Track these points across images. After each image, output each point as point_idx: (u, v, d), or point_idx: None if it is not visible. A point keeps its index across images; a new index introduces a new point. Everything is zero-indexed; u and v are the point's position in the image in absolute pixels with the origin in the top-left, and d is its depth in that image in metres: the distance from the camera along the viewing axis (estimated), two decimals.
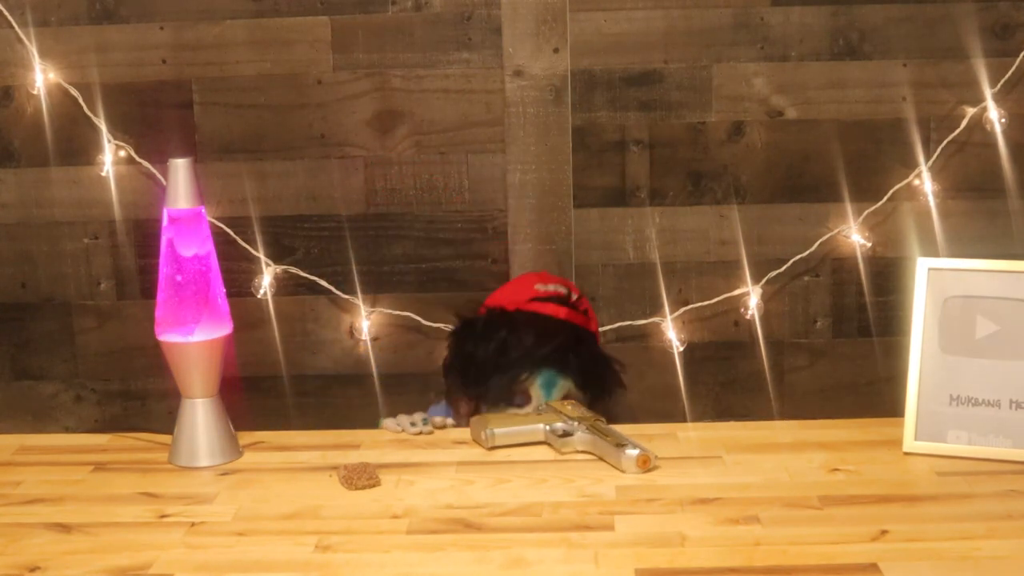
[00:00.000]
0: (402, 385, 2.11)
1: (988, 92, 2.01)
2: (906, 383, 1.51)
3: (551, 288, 1.85)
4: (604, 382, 1.83)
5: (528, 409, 1.72)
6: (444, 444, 1.59)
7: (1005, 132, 2.01)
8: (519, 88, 2.04)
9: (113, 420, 2.13)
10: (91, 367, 2.14)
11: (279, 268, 2.08)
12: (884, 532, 1.27)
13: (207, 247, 1.53)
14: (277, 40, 2.04)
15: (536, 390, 1.75)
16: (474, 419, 1.60)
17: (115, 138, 2.05)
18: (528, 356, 1.77)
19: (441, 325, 2.05)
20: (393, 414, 1.69)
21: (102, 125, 2.05)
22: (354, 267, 2.08)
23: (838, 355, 2.11)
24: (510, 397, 1.76)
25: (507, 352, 1.78)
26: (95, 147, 2.05)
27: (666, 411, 2.08)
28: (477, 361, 1.80)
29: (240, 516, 1.36)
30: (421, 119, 2.06)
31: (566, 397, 1.74)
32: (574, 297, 1.86)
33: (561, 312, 1.82)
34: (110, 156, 2.05)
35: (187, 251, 1.51)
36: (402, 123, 2.06)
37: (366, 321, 2.08)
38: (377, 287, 2.09)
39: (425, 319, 2.07)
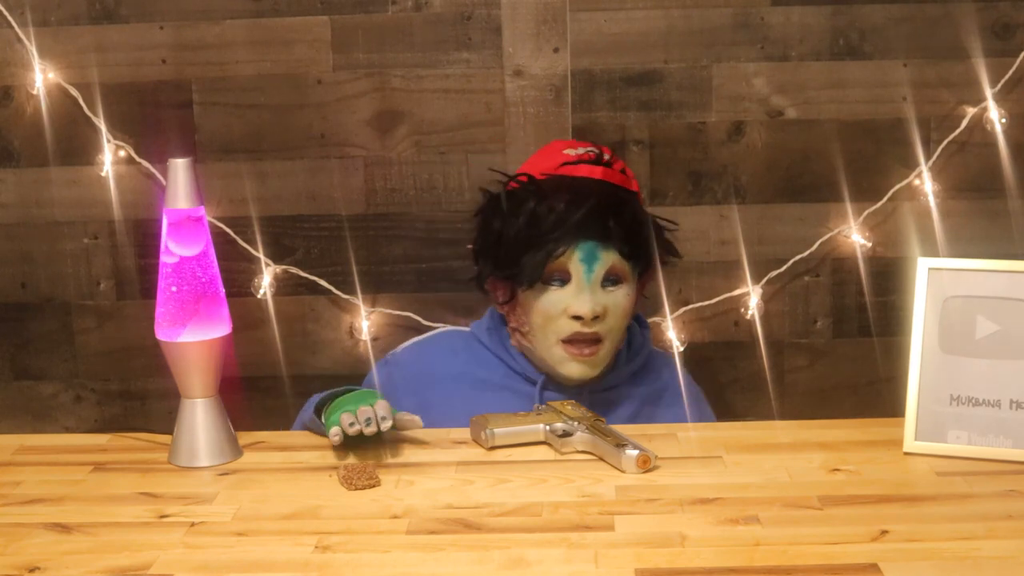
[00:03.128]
0: None
1: (988, 92, 2.01)
2: (906, 383, 1.51)
3: (582, 151, 1.70)
4: (651, 250, 1.68)
5: (570, 288, 1.63)
6: (444, 444, 1.59)
7: (1005, 132, 2.01)
8: (519, 88, 2.04)
9: (113, 420, 2.14)
10: (91, 367, 2.14)
11: (279, 268, 2.08)
12: (884, 532, 1.26)
13: (207, 247, 1.53)
14: (277, 40, 2.04)
15: (576, 265, 1.63)
16: (474, 419, 1.59)
17: (115, 138, 2.05)
18: (562, 225, 1.61)
19: (441, 325, 2.05)
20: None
21: (102, 125, 2.05)
22: (354, 267, 2.08)
23: (838, 355, 2.11)
24: (548, 276, 1.64)
25: (538, 224, 1.62)
26: (95, 147, 2.06)
27: None
28: (506, 239, 1.65)
29: (240, 516, 1.36)
30: (421, 119, 2.06)
31: (611, 269, 1.63)
32: (607, 157, 1.70)
33: (596, 172, 1.66)
34: (110, 156, 2.05)
35: (187, 251, 1.51)
36: (402, 123, 2.06)
37: (366, 321, 2.08)
38: (377, 287, 2.09)
39: (425, 319, 2.07)
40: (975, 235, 2.04)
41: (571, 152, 1.71)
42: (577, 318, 1.64)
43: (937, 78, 2.02)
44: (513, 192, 1.69)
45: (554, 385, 1.73)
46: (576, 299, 1.64)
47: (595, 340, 1.66)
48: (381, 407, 1.51)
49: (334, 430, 1.50)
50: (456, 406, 1.67)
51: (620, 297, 1.67)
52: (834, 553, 1.22)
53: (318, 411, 1.60)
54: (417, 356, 1.80)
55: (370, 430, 1.49)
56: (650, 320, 2.08)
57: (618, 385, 1.75)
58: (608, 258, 1.64)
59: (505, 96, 2.04)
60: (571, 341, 1.66)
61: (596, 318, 1.65)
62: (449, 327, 1.89)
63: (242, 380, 2.08)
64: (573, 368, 1.67)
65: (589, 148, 1.72)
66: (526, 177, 1.69)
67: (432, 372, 1.75)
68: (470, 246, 1.76)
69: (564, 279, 1.65)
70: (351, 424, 1.49)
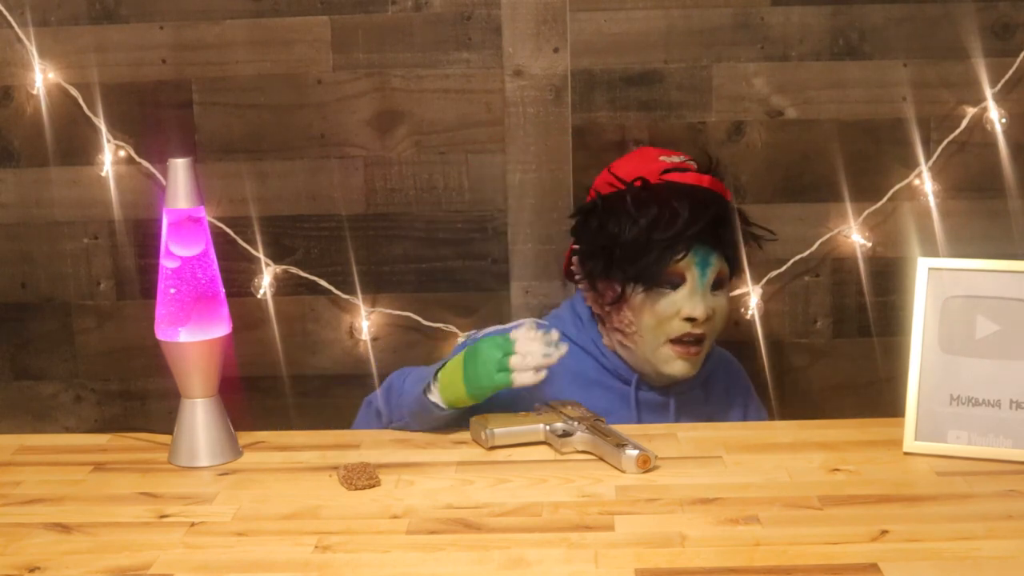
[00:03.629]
0: None
1: (988, 92, 2.01)
2: (906, 383, 1.51)
3: (676, 160, 1.74)
4: (743, 257, 1.75)
5: (683, 291, 1.67)
6: (444, 444, 1.59)
7: (1005, 132, 2.01)
8: (519, 88, 2.04)
9: (113, 420, 2.14)
10: (91, 367, 2.14)
11: (279, 268, 2.08)
12: (884, 532, 1.27)
13: (207, 247, 1.53)
14: (277, 40, 2.04)
15: (692, 269, 1.68)
16: (474, 419, 1.59)
17: (115, 138, 2.05)
18: (685, 231, 1.66)
19: (441, 325, 2.05)
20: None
21: (102, 125, 2.05)
22: (354, 267, 2.08)
23: (838, 355, 2.11)
24: (664, 279, 1.68)
25: (661, 228, 1.66)
26: (95, 147, 2.06)
27: None
28: (624, 241, 1.68)
29: (240, 516, 1.36)
30: (421, 119, 2.06)
31: (720, 274, 1.70)
32: (711, 165, 1.76)
33: (704, 181, 1.72)
34: (110, 156, 2.05)
35: (187, 251, 1.51)
36: (402, 123, 2.06)
37: (366, 321, 2.08)
38: (377, 287, 2.09)
39: (425, 319, 2.07)
40: (975, 235, 2.04)
41: (667, 159, 1.75)
42: (689, 320, 1.68)
43: (937, 78, 2.02)
44: (619, 195, 1.70)
45: (645, 385, 1.76)
46: (690, 301, 1.68)
47: (700, 340, 1.71)
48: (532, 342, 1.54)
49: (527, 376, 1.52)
50: (549, 396, 1.66)
51: (724, 300, 1.73)
52: (834, 553, 1.22)
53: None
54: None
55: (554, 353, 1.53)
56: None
57: (695, 386, 1.78)
58: (718, 263, 1.70)
59: (505, 96, 2.04)
60: (679, 341, 1.70)
61: (708, 319, 1.70)
62: (530, 319, 1.83)
63: (242, 380, 2.08)
64: (678, 366, 1.71)
65: (683, 157, 1.76)
66: (640, 182, 1.71)
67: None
68: (573, 246, 1.78)
69: (677, 282, 1.69)
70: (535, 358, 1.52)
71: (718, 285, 1.71)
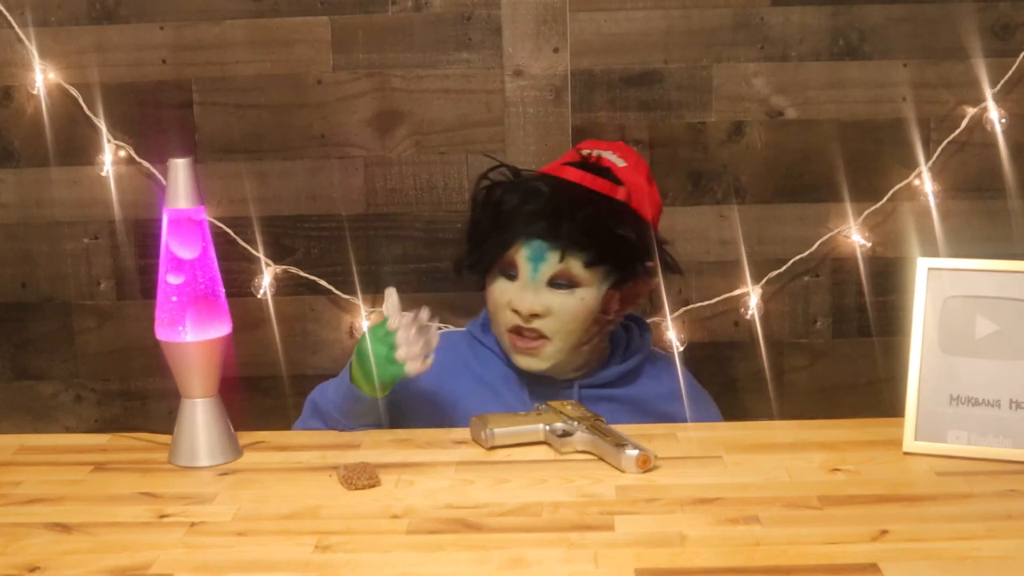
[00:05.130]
0: None
1: (988, 92, 2.01)
2: (906, 383, 1.51)
3: (595, 153, 1.71)
4: (623, 262, 1.66)
5: (517, 283, 1.65)
6: (444, 444, 1.59)
7: (1005, 132, 2.01)
8: (519, 88, 2.04)
9: (113, 420, 2.14)
10: (91, 367, 2.14)
11: (279, 268, 2.08)
12: (884, 532, 1.26)
13: (207, 247, 1.53)
14: (277, 40, 2.04)
15: (523, 263, 1.65)
16: (474, 419, 1.59)
17: (115, 138, 2.05)
18: (510, 220, 1.64)
19: (441, 325, 2.05)
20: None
21: (102, 125, 2.05)
22: (354, 267, 2.08)
23: (838, 355, 2.11)
24: (503, 267, 1.67)
25: (496, 217, 1.67)
26: (95, 147, 2.06)
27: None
28: (472, 228, 1.71)
29: (240, 516, 1.36)
30: (421, 119, 2.06)
31: (561, 272, 1.63)
32: (621, 164, 1.70)
33: (569, 173, 1.67)
34: (110, 156, 2.05)
35: (187, 251, 1.51)
36: (402, 123, 2.06)
37: (366, 321, 2.08)
38: (377, 287, 2.09)
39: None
40: (975, 235, 2.04)
41: (584, 152, 1.72)
42: (517, 312, 1.67)
43: (937, 78, 2.02)
44: (496, 183, 1.72)
45: (543, 378, 1.73)
46: (518, 294, 1.66)
47: (538, 336, 1.67)
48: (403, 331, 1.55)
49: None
50: (460, 404, 1.70)
51: (571, 301, 1.66)
52: (834, 553, 1.22)
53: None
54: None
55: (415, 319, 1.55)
56: (650, 320, 2.08)
57: (610, 384, 1.75)
58: (559, 260, 1.64)
59: (505, 96, 2.04)
60: (514, 332, 1.68)
61: (536, 316, 1.66)
62: (447, 329, 1.89)
63: (242, 380, 2.08)
64: (520, 359, 1.70)
65: (605, 151, 1.72)
66: (509, 168, 1.72)
67: (438, 370, 1.75)
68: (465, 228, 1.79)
69: (514, 273, 1.67)
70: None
71: (566, 284, 1.66)
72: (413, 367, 1.55)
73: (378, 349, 1.57)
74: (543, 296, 1.66)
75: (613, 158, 1.71)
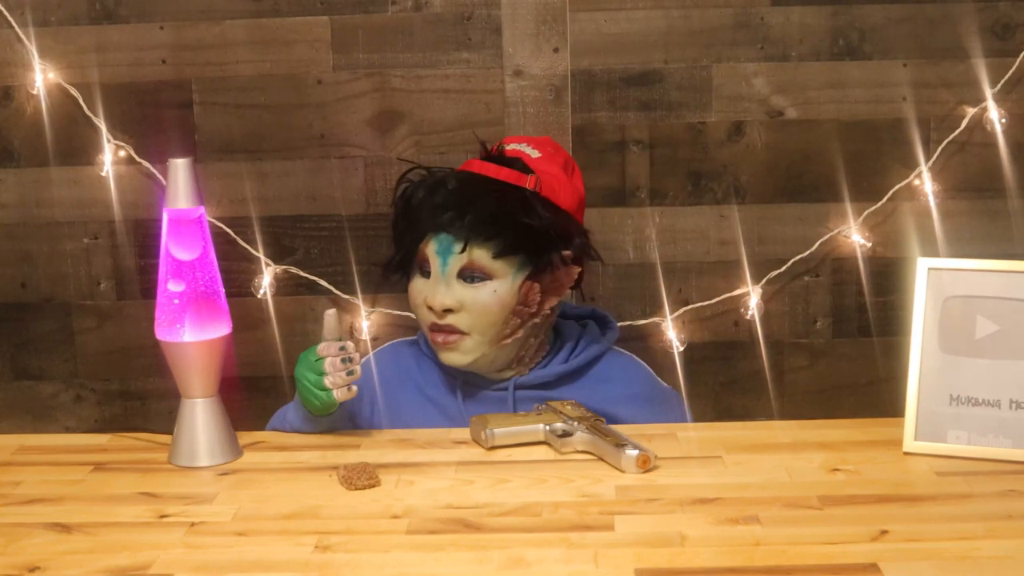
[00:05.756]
0: None
1: (988, 92, 2.01)
2: (906, 383, 1.51)
3: (512, 146, 1.70)
4: (535, 251, 1.63)
5: (430, 282, 1.65)
6: (444, 444, 1.59)
7: (1005, 132, 2.01)
8: (519, 88, 2.04)
9: (113, 420, 2.14)
10: (91, 367, 2.14)
11: (279, 268, 2.08)
12: (884, 532, 1.26)
13: (207, 247, 1.53)
14: (277, 40, 2.04)
15: (433, 257, 1.64)
16: (474, 419, 1.60)
17: (115, 138, 2.05)
18: (416, 215, 1.63)
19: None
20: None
21: (102, 125, 2.05)
22: (354, 267, 2.08)
23: (838, 355, 2.11)
24: (419, 265, 1.66)
25: (404, 213, 1.67)
26: (95, 147, 2.06)
27: None
28: (394, 227, 1.70)
29: (240, 516, 1.36)
30: (421, 119, 2.06)
31: (471, 264, 1.62)
32: (535, 155, 1.68)
33: (474, 166, 1.67)
34: (110, 156, 2.05)
35: (187, 251, 1.51)
36: (402, 123, 2.06)
37: (366, 321, 2.08)
38: (377, 287, 2.09)
39: None
40: (975, 235, 2.04)
41: (506, 147, 1.70)
42: (431, 309, 1.66)
43: (937, 78, 2.02)
44: (403, 177, 1.71)
45: (478, 381, 1.72)
46: (431, 290, 1.66)
47: (453, 330, 1.66)
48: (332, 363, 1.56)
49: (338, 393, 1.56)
50: (399, 413, 1.71)
51: (483, 293, 1.64)
52: (834, 553, 1.22)
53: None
54: (372, 368, 1.79)
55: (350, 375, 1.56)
56: (650, 320, 2.08)
57: (547, 384, 1.72)
58: (464, 252, 1.62)
59: (505, 96, 2.04)
60: (433, 328, 1.67)
61: (449, 311, 1.64)
62: (397, 340, 1.87)
63: (242, 380, 2.08)
64: (442, 356, 1.69)
65: (518, 144, 1.71)
66: (423, 167, 1.71)
67: (384, 383, 1.76)
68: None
69: (428, 270, 1.66)
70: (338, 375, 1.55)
71: (478, 277, 1.63)
72: (340, 395, 1.56)
73: (308, 377, 1.57)
74: (454, 290, 1.64)
75: (527, 150, 1.70)
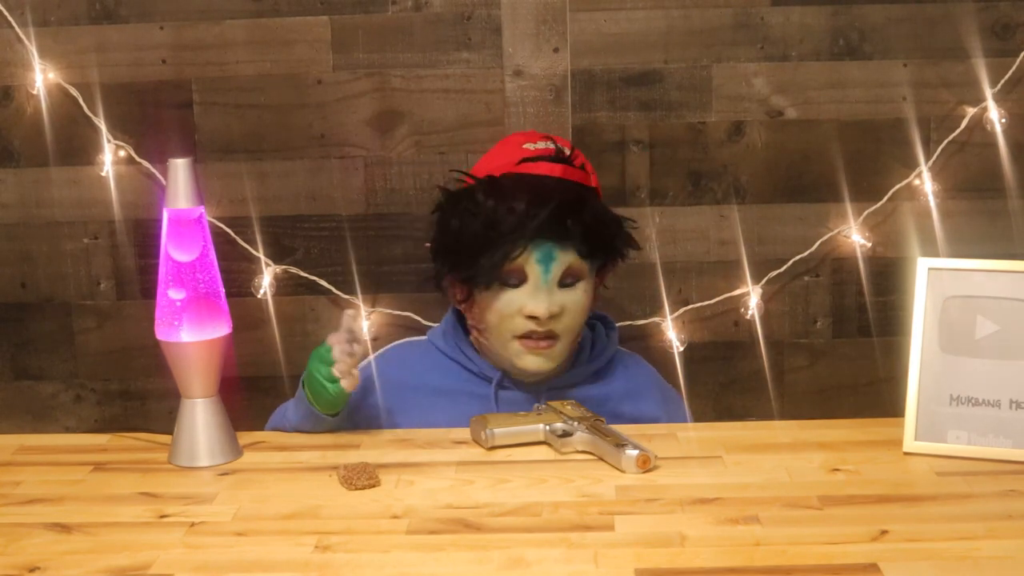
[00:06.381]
0: None
1: (988, 92, 2.01)
2: (906, 383, 1.51)
3: (541, 146, 1.68)
4: (612, 244, 1.67)
5: (526, 289, 1.63)
6: (444, 444, 1.59)
7: (1005, 132, 2.01)
8: (519, 88, 2.04)
9: (113, 420, 2.14)
10: (91, 367, 2.14)
11: (279, 268, 2.08)
12: (884, 532, 1.27)
13: (207, 247, 1.53)
14: (277, 40, 2.04)
15: (533, 266, 1.62)
16: (474, 419, 1.60)
17: (115, 138, 2.05)
18: (521, 227, 1.59)
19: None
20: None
21: (102, 125, 2.05)
22: (354, 267, 2.08)
23: (838, 355, 2.11)
24: (505, 276, 1.63)
25: (496, 225, 1.61)
26: (95, 147, 2.05)
27: None
28: (464, 239, 1.63)
29: (240, 516, 1.36)
30: (421, 119, 2.06)
31: (568, 269, 1.63)
32: (567, 152, 1.68)
33: (556, 170, 1.65)
34: (110, 156, 2.05)
35: (187, 251, 1.51)
36: (402, 123, 2.06)
37: (366, 321, 2.08)
38: (377, 287, 2.09)
39: (425, 319, 2.07)
40: (975, 235, 2.04)
41: (530, 147, 1.69)
42: (532, 318, 1.64)
43: (937, 78, 2.02)
44: (471, 190, 1.68)
45: (511, 382, 1.73)
46: (532, 299, 1.64)
47: (550, 336, 1.66)
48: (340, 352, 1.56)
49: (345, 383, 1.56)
50: (414, 416, 1.70)
51: (578, 295, 1.66)
52: (834, 553, 1.22)
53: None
54: (372, 371, 1.78)
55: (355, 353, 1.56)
56: (650, 320, 2.08)
57: (577, 384, 1.74)
58: (565, 259, 1.63)
59: (505, 96, 2.04)
60: (527, 337, 1.66)
61: (552, 317, 1.64)
62: (404, 340, 1.87)
63: (242, 380, 2.08)
64: (529, 361, 1.67)
65: (548, 142, 1.70)
66: (485, 177, 1.68)
67: (390, 385, 1.75)
68: (428, 244, 1.75)
69: (520, 279, 1.64)
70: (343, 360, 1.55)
71: (570, 280, 1.65)
72: (347, 383, 1.56)
73: (318, 368, 1.58)
74: (556, 296, 1.65)
75: (561, 148, 1.69)
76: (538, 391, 1.72)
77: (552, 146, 1.69)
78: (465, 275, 1.66)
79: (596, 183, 1.73)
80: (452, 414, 1.68)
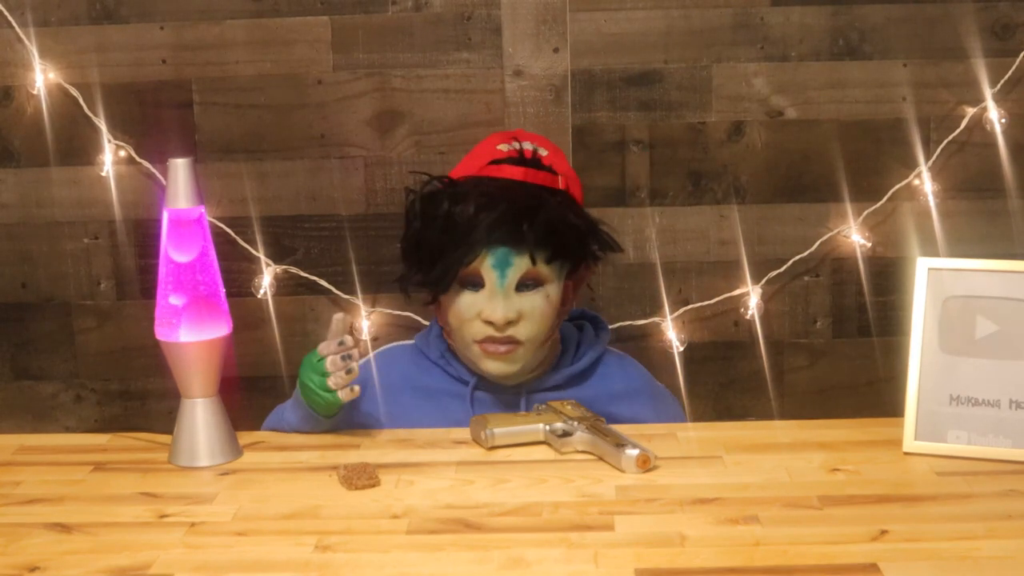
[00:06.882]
0: None
1: (988, 92, 2.01)
2: (906, 383, 1.51)
3: (516, 146, 1.64)
4: (578, 247, 1.63)
5: (484, 293, 1.61)
6: (444, 444, 1.59)
7: (1005, 132, 2.01)
8: (519, 88, 2.04)
9: (113, 420, 2.14)
10: (91, 367, 2.14)
11: (279, 268, 2.09)
12: (884, 532, 1.26)
13: (207, 247, 1.53)
14: (277, 40, 2.04)
15: (488, 271, 1.59)
16: (474, 419, 1.59)
17: (115, 138, 2.05)
18: (472, 231, 1.56)
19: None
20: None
21: (102, 125, 2.05)
22: (354, 267, 2.08)
23: (838, 355, 2.11)
24: (464, 280, 1.61)
25: (451, 229, 1.58)
26: (95, 147, 2.06)
27: None
28: (424, 242, 1.61)
29: (240, 516, 1.36)
30: (421, 119, 2.06)
31: (527, 273, 1.60)
32: (544, 153, 1.65)
33: (517, 173, 1.61)
34: (110, 156, 2.05)
35: (187, 251, 1.51)
36: (402, 123, 2.06)
37: (366, 321, 2.08)
38: (377, 287, 2.09)
39: (425, 319, 2.07)
40: (975, 235, 2.04)
41: (503, 148, 1.66)
42: (490, 323, 1.62)
43: (937, 78, 2.02)
44: (433, 194, 1.64)
45: (489, 386, 1.71)
46: (488, 305, 1.61)
47: (511, 341, 1.63)
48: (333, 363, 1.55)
49: (342, 393, 1.55)
50: (398, 417, 1.69)
51: (538, 300, 1.63)
52: (834, 553, 1.22)
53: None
54: (367, 370, 1.78)
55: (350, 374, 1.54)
56: (650, 320, 2.08)
57: (559, 387, 1.72)
58: (522, 263, 1.60)
59: (505, 96, 2.04)
60: (487, 341, 1.64)
61: (510, 323, 1.62)
62: (394, 343, 1.86)
63: (242, 380, 2.08)
64: (491, 365, 1.65)
65: (528, 143, 1.66)
66: (446, 179, 1.66)
67: (378, 386, 1.74)
68: (399, 245, 1.72)
69: (478, 283, 1.62)
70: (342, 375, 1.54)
71: (532, 285, 1.62)
72: (344, 395, 1.55)
73: (311, 378, 1.57)
74: (513, 301, 1.62)
75: (538, 149, 1.67)
76: (517, 394, 1.71)
77: (529, 147, 1.66)
78: (425, 278, 1.65)
79: (571, 185, 1.67)
80: (435, 417, 1.68)
